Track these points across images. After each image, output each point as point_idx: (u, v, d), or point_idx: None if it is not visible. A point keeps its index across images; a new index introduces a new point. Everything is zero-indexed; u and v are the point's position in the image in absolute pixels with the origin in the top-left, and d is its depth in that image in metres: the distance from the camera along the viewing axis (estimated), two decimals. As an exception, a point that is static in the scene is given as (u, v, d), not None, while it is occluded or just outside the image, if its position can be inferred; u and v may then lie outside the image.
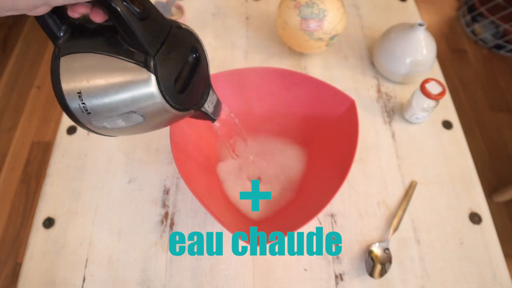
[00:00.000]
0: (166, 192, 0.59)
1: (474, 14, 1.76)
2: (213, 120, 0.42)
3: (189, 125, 0.61)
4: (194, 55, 0.38)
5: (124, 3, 0.30)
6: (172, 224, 0.56)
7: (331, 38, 0.69)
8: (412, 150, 0.64)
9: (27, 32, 1.76)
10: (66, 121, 0.67)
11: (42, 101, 1.52)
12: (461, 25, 1.81)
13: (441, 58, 1.65)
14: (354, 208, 0.58)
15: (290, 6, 0.66)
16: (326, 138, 0.61)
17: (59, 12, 0.34)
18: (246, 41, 0.78)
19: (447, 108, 0.69)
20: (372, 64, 0.75)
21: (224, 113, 0.45)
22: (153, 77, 0.32)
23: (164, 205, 0.58)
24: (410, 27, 0.66)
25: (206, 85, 0.40)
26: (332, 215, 0.58)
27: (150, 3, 0.32)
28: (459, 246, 0.56)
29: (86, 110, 0.35)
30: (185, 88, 0.36)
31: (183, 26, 0.36)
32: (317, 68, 0.74)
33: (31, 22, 1.80)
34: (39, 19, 0.33)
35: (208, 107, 0.40)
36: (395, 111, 0.69)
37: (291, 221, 0.53)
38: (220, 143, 0.63)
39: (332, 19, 0.65)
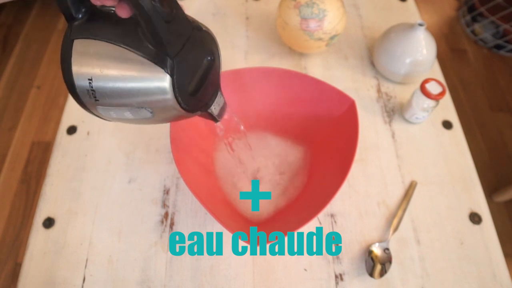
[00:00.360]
0: (166, 192, 0.59)
1: (474, 14, 1.76)
2: (216, 121, 0.42)
3: (189, 125, 0.61)
4: (209, 58, 0.37)
5: (152, 1, 0.29)
6: (172, 224, 0.56)
7: (331, 38, 0.69)
8: (412, 150, 0.64)
9: (27, 32, 1.76)
10: (66, 121, 0.67)
11: (42, 101, 1.52)
12: (461, 25, 1.81)
13: (441, 58, 1.65)
14: (354, 208, 0.58)
15: (290, 6, 0.66)
16: (326, 138, 0.61)
17: None
18: (246, 41, 0.78)
19: (447, 108, 0.69)
20: (372, 64, 0.75)
21: (226, 113, 0.45)
22: (169, 78, 0.32)
23: (164, 205, 0.58)
24: (410, 27, 0.66)
25: (216, 88, 0.40)
26: (332, 215, 0.58)
27: (178, 4, 0.31)
28: (459, 246, 0.56)
29: (95, 97, 0.35)
30: (197, 91, 0.36)
31: (204, 28, 0.36)
32: (317, 68, 0.74)
33: (31, 22, 1.80)
34: None
35: (215, 109, 0.40)
36: (395, 111, 0.69)
37: (291, 221, 0.53)
38: (220, 142, 0.63)
39: (332, 19, 0.65)
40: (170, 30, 0.31)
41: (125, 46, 0.32)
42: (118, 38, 0.32)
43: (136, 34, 0.32)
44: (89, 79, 0.34)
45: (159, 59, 0.31)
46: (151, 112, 0.34)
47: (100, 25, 0.34)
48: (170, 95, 0.32)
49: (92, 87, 0.34)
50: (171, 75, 0.32)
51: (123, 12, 0.31)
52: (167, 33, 0.30)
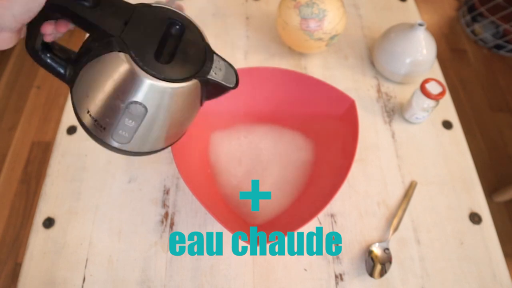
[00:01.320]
0: (166, 192, 0.59)
1: (474, 14, 1.76)
2: (231, 88, 0.38)
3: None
4: (177, 26, 0.36)
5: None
6: (172, 224, 0.56)
7: (331, 38, 0.69)
8: (412, 150, 0.64)
9: (27, 32, 1.76)
10: (66, 121, 0.67)
11: (42, 101, 1.52)
12: (461, 25, 1.81)
13: (441, 58, 1.65)
14: (354, 208, 0.58)
15: (290, 6, 0.66)
16: (326, 138, 0.61)
17: (49, 48, 0.38)
18: (246, 41, 0.78)
19: (447, 108, 0.69)
20: (372, 64, 0.75)
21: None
22: (122, 55, 0.32)
23: (164, 205, 0.58)
24: (410, 27, 0.66)
25: (205, 52, 0.37)
26: (332, 215, 0.58)
27: None
28: (459, 246, 0.56)
29: (100, 126, 0.37)
30: (171, 57, 0.34)
31: (154, 5, 0.36)
32: (317, 68, 0.74)
33: (31, 22, 1.80)
34: (44, 65, 0.38)
35: (216, 74, 0.37)
36: (395, 111, 0.69)
37: (291, 221, 0.53)
38: (220, 142, 0.62)
39: (332, 19, 0.65)
40: (102, 15, 0.32)
41: (87, 61, 0.34)
42: (84, 59, 0.35)
43: (92, 45, 0.35)
44: (88, 112, 0.37)
45: (107, 46, 0.32)
46: (142, 105, 0.34)
47: (76, 64, 0.37)
48: (135, 69, 0.32)
49: (93, 117, 0.37)
50: (124, 51, 0.32)
51: (62, 28, 0.35)
52: (100, 18, 0.32)
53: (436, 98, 0.60)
